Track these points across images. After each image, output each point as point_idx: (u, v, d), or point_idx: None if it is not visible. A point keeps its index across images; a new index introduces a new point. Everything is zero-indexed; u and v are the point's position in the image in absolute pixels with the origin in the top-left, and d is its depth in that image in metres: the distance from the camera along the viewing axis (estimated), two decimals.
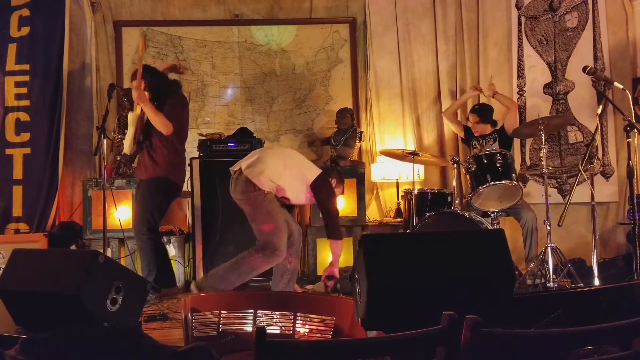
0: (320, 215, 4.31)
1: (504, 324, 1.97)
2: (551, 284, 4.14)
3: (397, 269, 2.33)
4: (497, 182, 4.43)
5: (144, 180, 4.50)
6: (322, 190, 4.14)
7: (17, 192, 5.44)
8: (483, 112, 5.25)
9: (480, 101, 5.67)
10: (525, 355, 1.72)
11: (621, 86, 4.13)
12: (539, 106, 5.43)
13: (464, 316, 1.63)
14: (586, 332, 1.76)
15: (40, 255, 3.45)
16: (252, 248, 4.04)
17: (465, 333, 1.61)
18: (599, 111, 4.16)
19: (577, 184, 4.21)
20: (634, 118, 3.93)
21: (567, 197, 4.23)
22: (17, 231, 5.34)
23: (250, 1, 6.04)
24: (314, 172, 4.17)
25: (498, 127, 5.23)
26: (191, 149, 5.59)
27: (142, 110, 4.38)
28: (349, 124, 5.84)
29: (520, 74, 5.66)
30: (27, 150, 5.47)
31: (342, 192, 4.51)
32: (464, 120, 5.65)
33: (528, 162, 5.58)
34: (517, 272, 4.47)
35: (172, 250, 5.18)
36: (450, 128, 5.77)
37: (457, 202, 4.69)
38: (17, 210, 5.44)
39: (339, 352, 1.65)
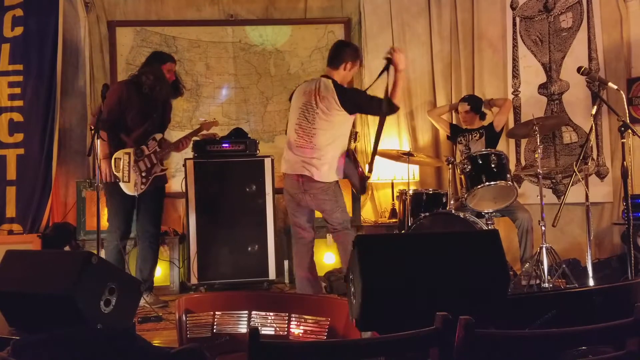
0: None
1: (498, 325, 1.98)
2: (546, 285, 4.15)
3: (391, 270, 2.32)
4: (492, 183, 4.43)
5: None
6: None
7: (11, 192, 5.41)
8: (473, 100, 5.27)
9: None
10: (520, 356, 1.72)
11: (615, 87, 4.13)
12: (534, 106, 5.43)
13: (458, 317, 1.63)
14: (580, 333, 1.76)
15: (34, 256, 3.44)
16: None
17: (459, 334, 1.61)
18: (594, 112, 4.17)
19: (572, 185, 4.22)
20: (628, 119, 3.94)
21: (562, 198, 4.23)
22: (10, 232, 5.32)
23: (245, 1, 6.02)
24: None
25: (486, 123, 5.24)
26: (186, 150, 5.57)
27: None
28: None
29: (515, 75, 5.66)
30: (21, 151, 5.44)
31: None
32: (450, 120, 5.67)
33: (523, 163, 5.59)
34: (512, 273, 4.47)
35: (166, 251, 5.17)
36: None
37: (452, 202, 4.69)
38: (10, 211, 5.41)
39: (333, 353, 1.65)
